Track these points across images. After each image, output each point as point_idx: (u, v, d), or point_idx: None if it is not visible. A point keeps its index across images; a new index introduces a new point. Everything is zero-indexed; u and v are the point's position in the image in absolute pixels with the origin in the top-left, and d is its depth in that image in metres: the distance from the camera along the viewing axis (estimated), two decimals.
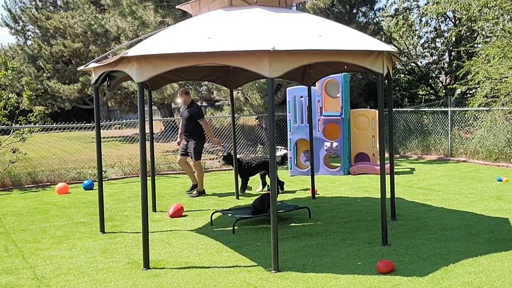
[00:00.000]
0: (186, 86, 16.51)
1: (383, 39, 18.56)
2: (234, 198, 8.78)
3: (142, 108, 5.11)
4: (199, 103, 27.53)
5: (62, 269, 5.19)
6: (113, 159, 12.82)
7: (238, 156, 8.93)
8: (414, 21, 21.27)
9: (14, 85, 17.40)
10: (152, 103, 13.28)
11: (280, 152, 9.24)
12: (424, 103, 21.08)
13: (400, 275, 4.70)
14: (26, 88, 11.61)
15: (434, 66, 21.75)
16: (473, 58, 14.06)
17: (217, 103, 21.15)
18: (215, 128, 16.57)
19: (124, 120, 13.43)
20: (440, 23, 21.62)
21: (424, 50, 22.33)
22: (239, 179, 8.94)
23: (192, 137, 8.88)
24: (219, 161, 8.49)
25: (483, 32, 15.94)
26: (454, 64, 19.30)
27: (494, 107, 12.44)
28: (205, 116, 9.09)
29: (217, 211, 7.20)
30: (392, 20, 21.94)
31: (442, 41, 21.04)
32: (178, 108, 8.15)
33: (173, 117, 23.75)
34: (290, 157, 11.27)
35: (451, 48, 20.14)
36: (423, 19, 20.36)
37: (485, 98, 12.74)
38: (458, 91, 17.31)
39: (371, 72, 5.58)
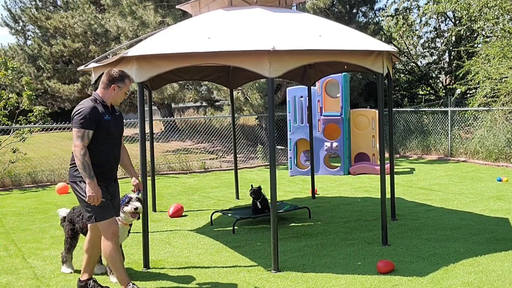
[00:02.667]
0: (186, 86, 16.52)
1: (383, 39, 18.55)
2: (234, 198, 8.78)
3: (142, 108, 5.11)
4: (199, 103, 27.28)
5: None
6: None
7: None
8: (414, 21, 21.27)
9: (14, 85, 17.39)
10: (152, 103, 13.27)
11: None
12: (424, 103, 21.07)
13: (400, 275, 4.70)
14: (26, 88, 11.61)
15: (434, 66, 21.74)
16: (473, 58, 14.06)
17: (217, 103, 21.14)
18: (215, 128, 16.57)
19: (124, 120, 13.42)
20: (440, 23, 21.62)
21: (424, 50, 22.32)
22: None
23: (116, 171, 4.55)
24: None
25: (483, 32, 15.93)
26: (454, 64, 19.29)
27: (494, 107, 12.44)
28: None
29: (217, 211, 7.20)
30: (392, 20, 21.93)
31: (442, 41, 21.03)
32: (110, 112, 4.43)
33: (173, 117, 23.75)
34: (290, 157, 11.27)
35: (451, 48, 20.13)
36: (423, 19, 20.36)
37: (485, 98, 12.74)
38: (458, 91, 17.30)
39: (371, 72, 5.58)
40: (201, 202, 8.60)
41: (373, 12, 18.22)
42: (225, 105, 20.33)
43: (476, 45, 15.91)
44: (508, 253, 5.23)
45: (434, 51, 21.84)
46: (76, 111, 4.18)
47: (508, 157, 11.87)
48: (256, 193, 6.79)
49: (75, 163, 4.19)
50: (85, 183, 4.11)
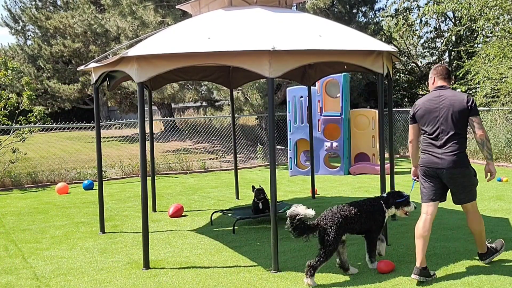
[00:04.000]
0: (186, 86, 16.52)
1: (383, 39, 18.55)
2: (234, 198, 8.78)
3: (142, 108, 5.11)
4: (199, 103, 27.27)
5: (62, 269, 5.19)
6: (113, 159, 12.82)
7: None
8: (414, 21, 21.28)
9: (14, 85, 17.38)
10: (152, 103, 13.28)
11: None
12: None
13: (400, 275, 4.70)
14: (26, 88, 11.61)
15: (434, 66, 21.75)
16: (473, 58, 14.05)
17: (217, 103, 21.14)
18: (215, 128, 16.58)
19: (124, 120, 13.43)
20: (440, 23, 21.63)
21: (424, 50, 22.33)
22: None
23: None
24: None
25: (483, 32, 15.92)
26: (454, 64, 19.29)
27: (494, 107, 12.43)
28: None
29: (217, 211, 7.20)
30: (392, 20, 21.94)
31: (442, 41, 21.03)
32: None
33: (173, 117, 23.76)
34: (290, 157, 11.27)
35: (451, 48, 20.14)
36: (423, 19, 20.37)
37: (485, 98, 12.74)
38: (458, 91, 17.29)
39: (371, 72, 5.58)
40: (201, 202, 8.61)
41: (373, 12, 18.23)
42: (225, 105, 20.32)
43: (476, 45, 15.91)
44: (508, 253, 5.23)
45: (434, 51, 21.85)
46: (473, 100, 4.65)
47: (508, 157, 11.87)
48: (263, 192, 6.81)
49: (464, 151, 4.69)
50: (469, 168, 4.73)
